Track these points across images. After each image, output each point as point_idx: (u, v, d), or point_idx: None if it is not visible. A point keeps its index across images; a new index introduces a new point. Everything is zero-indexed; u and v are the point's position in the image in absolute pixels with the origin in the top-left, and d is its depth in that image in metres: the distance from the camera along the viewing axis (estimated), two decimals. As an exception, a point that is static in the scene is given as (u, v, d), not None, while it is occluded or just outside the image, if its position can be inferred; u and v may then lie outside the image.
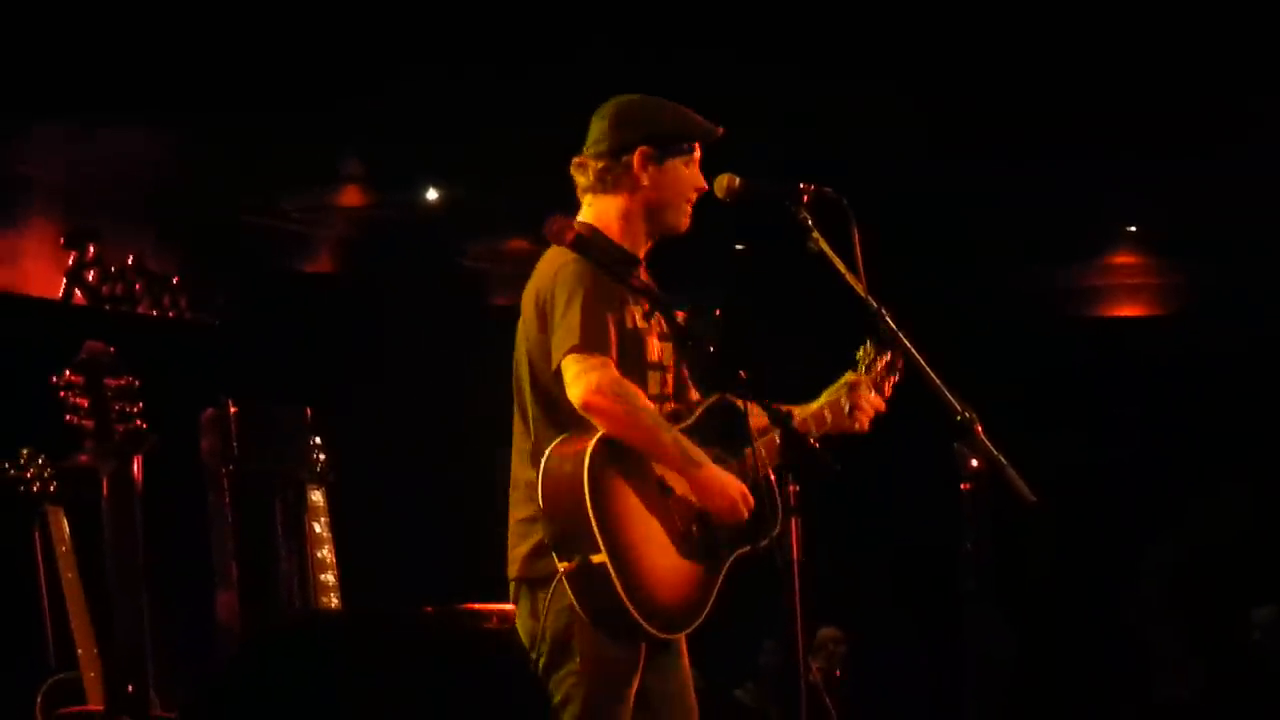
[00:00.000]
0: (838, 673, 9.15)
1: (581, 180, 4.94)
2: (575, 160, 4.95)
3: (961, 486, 4.54)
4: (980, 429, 4.47)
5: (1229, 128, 8.85)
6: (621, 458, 4.64)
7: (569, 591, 4.61)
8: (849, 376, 5.19)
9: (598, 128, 4.92)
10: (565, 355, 4.63)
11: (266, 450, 5.83)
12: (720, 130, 4.94)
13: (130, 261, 8.85)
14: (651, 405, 4.72)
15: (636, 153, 4.87)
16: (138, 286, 8.86)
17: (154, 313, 8.87)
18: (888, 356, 5.18)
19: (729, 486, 4.75)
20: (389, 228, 9.84)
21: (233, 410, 5.78)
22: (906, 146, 8.98)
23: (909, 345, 4.62)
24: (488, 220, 9.52)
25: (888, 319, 4.61)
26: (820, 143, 8.15)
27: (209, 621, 5.77)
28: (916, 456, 7.27)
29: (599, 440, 4.61)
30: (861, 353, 5.23)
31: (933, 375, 4.52)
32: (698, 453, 4.73)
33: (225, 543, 5.68)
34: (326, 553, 5.72)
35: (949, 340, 5.38)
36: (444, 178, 9.63)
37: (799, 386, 5.23)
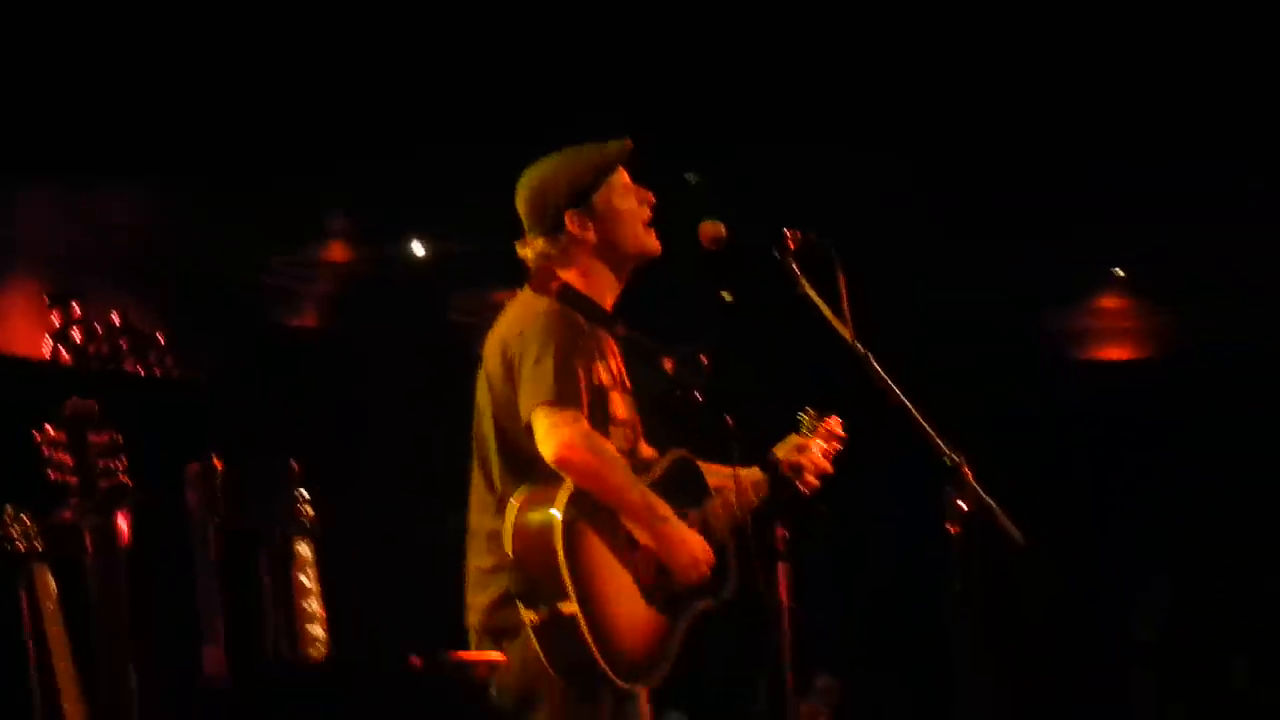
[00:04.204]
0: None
1: (532, 259, 4.93)
2: (518, 246, 4.95)
3: (950, 529, 4.52)
4: (969, 473, 4.47)
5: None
6: (591, 509, 4.65)
7: (535, 643, 4.61)
8: (794, 439, 5.23)
9: (522, 211, 4.93)
10: (536, 408, 4.62)
11: (252, 504, 5.83)
12: (628, 142, 4.93)
13: (115, 320, 8.83)
14: (622, 460, 4.72)
15: (566, 219, 4.86)
16: (123, 344, 8.84)
17: (139, 370, 8.85)
18: (830, 422, 5.22)
19: (692, 543, 4.78)
20: (374, 282, 9.86)
21: (218, 465, 5.77)
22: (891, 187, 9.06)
23: (898, 390, 4.62)
24: (473, 273, 9.53)
25: (875, 365, 4.61)
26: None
27: (196, 676, 5.74)
28: (904, 500, 7.29)
29: (571, 491, 4.61)
30: (804, 418, 5.26)
31: (921, 419, 4.52)
32: (664, 508, 4.75)
33: (212, 597, 5.67)
34: (314, 604, 5.70)
35: (936, 383, 5.38)
36: (429, 231, 9.68)
37: (785, 433, 5.25)
